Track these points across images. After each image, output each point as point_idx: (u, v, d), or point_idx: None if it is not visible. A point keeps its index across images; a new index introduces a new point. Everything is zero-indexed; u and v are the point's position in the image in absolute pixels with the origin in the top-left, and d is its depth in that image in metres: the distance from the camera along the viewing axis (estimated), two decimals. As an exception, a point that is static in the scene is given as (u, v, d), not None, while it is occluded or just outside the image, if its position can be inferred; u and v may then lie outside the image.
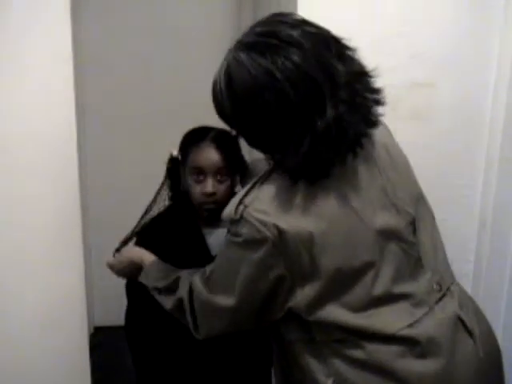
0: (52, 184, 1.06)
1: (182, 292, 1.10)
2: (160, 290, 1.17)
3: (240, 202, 0.98)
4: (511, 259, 1.82)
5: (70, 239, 1.18)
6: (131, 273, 1.30)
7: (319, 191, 0.97)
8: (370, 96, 0.99)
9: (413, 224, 1.05)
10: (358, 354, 0.98)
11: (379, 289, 0.98)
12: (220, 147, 1.33)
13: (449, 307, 1.03)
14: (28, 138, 0.96)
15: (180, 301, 1.10)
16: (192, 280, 1.10)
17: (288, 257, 0.95)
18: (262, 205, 0.96)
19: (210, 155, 1.32)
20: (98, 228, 2.77)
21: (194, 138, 1.37)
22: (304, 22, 0.98)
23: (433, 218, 1.14)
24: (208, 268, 1.09)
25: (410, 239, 1.03)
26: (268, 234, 0.94)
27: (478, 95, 1.78)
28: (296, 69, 0.89)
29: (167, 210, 1.45)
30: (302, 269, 0.96)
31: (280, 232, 0.94)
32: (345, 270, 0.97)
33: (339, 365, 0.99)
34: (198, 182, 1.33)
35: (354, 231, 0.97)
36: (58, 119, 1.08)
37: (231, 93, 0.95)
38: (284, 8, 1.84)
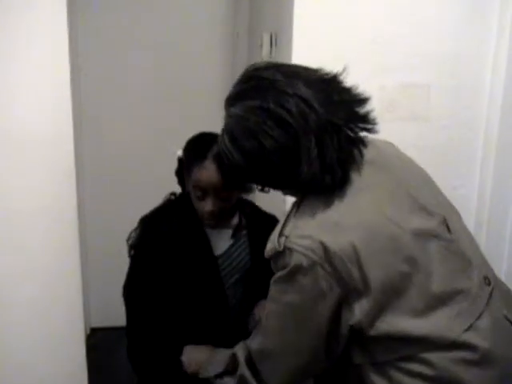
0: (49, 186, 1.06)
1: (242, 369, 1.09)
2: (221, 374, 1.17)
3: (280, 235, 0.99)
4: (507, 259, 1.83)
5: (67, 241, 1.17)
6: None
7: (351, 205, 0.99)
8: (349, 96, 1.05)
9: (445, 223, 1.05)
10: (423, 369, 0.96)
11: (434, 286, 0.98)
12: (222, 166, 1.31)
13: (497, 308, 1.02)
14: (25, 138, 0.96)
15: (242, 377, 1.09)
16: (249, 346, 1.10)
17: (338, 276, 0.95)
18: (301, 231, 0.98)
19: (211, 176, 1.28)
20: (95, 229, 2.77)
21: (198, 152, 1.34)
22: (273, 63, 1.06)
23: (458, 214, 1.15)
24: (259, 326, 1.09)
25: (447, 237, 1.03)
26: (315, 257, 0.94)
27: (474, 96, 1.79)
28: (282, 94, 0.96)
29: (173, 202, 1.45)
30: (354, 283, 0.95)
31: (326, 252, 0.94)
32: (394, 274, 0.96)
33: (407, 381, 0.97)
34: (200, 198, 1.33)
35: (393, 235, 0.98)
36: (55, 120, 1.08)
37: (238, 146, 1.00)
38: (281, 7, 1.84)
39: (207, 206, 1.31)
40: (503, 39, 1.71)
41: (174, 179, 1.46)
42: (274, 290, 1.03)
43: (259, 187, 1.10)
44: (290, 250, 0.96)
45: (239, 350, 1.12)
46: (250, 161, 1.00)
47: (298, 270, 0.96)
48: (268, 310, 1.05)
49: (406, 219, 1.00)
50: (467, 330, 0.96)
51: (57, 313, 1.11)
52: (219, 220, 1.37)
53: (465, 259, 1.04)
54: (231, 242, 1.44)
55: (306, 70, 1.04)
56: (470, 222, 1.87)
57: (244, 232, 1.46)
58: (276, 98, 0.96)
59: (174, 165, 1.44)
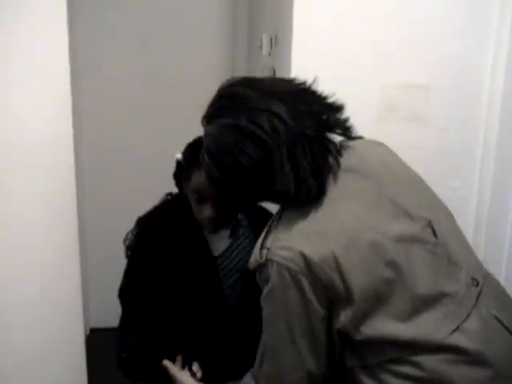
0: (49, 186, 1.06)
1: None
2: None
3: (262, 247, 1.01)
4: (506, 261, 1.82)
5: (67, 242, 1.17)
6: None
7: (330, 214, 1.00)
8: (322, 105, 1.06)
9: (430, 226, 1.05)
10: (412, 371, 0.96)
11: (419, 290, 0.98)
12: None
13: (486, 307, 1.02)
14: (25, 139, 0.96)
15: None
16: (256, 377, 1.08)
17: (321, 284, 0.96)
18: (282, 242, 0.99)
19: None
20: (95, 231, 2.77)
21: (198, 158, 1.35)
22: (246, 78, 1.09)
23: (450, 216, 1.15)
24: (257, 357, 1.07)
25: (432, 240, 1.03)
26: (296, 268, 0.96)
27: (473, 97, 1.79)
28: (253, 110, 0.98)
29: (169, 203, 1.45)
30: (337, 291, 0.96)
31: (306, 262, 0.95)
32: (376, 280, 0.97)
33: (397, 383, 0.97)
34: (199, 203, 1.33)
35: (374, 242, 0.98)
36: (55, 122, 1.08)
37: (216, 163, 1.02)
38: (279, 7, 1.84)
39: (206, 212, 1.31)
40: (503, 41, 1.71)
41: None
42: (265, 309, 1.04)
43: (237, 201, 1.11)
44: (272, 261, 0.98)
45: None
46: (229, 177, 1.03)
47: (281, 282, 0.97)
48: (264, 332, 1.05)
49: (387, 225, 1.00)
50: (454, 331, 0.96)
51: (57, 313, 1.11)
52: (218, 226, 1.37)
53: (451, 262, 1.03)
54: (230, 241, 1.44)
55: (278, 83, 1.08)
56: (469, 223, 1.87)
57: (242, 231, 1.46)
58: (247, 114, 0.98)
59: (174, 167, 1.44)
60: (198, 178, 1.29)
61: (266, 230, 1.05)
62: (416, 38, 1.71)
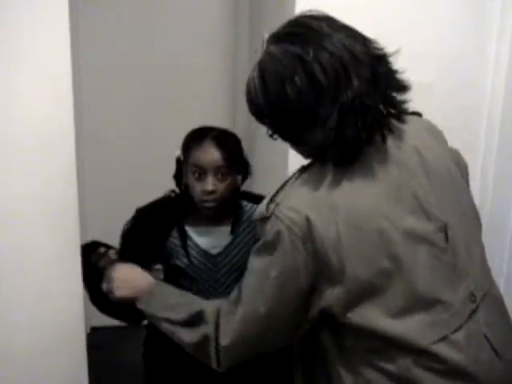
0: (49, 183, 1.06)
1: (209, 328, 1.05)
2: (173, 322, 1.11)
3: (271, 201, 0.99)
4: (508, 260, 1.83)
5: (68, 239, 1.17)
6: (128, 298, 1.21)
7: (351, 191, 0.97)
8: (391, 80, 1.03)
9: (444, 231, 1.01)
10: (390, 366, 0.96)
11: (415, 291, 0.96)
12: (221, 146, 1.34)
13: (478, 324, 1.00)
14: (26, 138, 0.96)
15: (205, 337, 1.05)
16: (219, 308, 1.06)
17: (316, 255, 0.95)
18: (293, 202, 0.97)
19: (210, 153, 1.33)
20: (96, 228, 2.76)
21: (196, 137, 1.38)
22: (329, 17, 1.03)
23: (476, 224, 1.12)
24: (236, 289, 1.06)
25: (441, 245, 1.00)
26: (299, 232, 0.94)
27: (475, 95, 1.79)
28: (323, 50, 0.94)
29: (171, 199, 1.47)
30: (330, 269, 0.95)
31: (310, 230, 0.94)
32: (374, 270, 0.95)
33: (370, 375, 0.97)
34: (199, 179, 1.34)
35: (383, 231, 0.95)
36: (56, 120, 1.08)
37: (263, 83, 0.98)
38: (281, 6, 1.84)
39: (206, 185, 1.32)
40: (505, 38, 1.71)
41: (175, 180, 1.47)
42: (252, 256, 1.03)
43: (269, 132, 1.06)
44: (277, 217, 0.96)
45: (208, 309, 1.08)
46: (268, 101, 0.99)
47: (279, 240, 0.96)
48: (245, 275, 1.05)
49: (401, 218, 0.97)
50: (440, 340, 0.95)
51: (57, 312, 1.11)
52: (217, 201, 1.36)
53: (455, 272, 1.01)
54: (231, 238, 1.44)
55: (358, 38, 1.01)
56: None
57: (243, 227, 1.46)
58: (316, 51, 0.93)
59: (174, 166, 1.44)
60: (198, 151, 1.33)
61: (281, 184, 1.02)
62: (418, 37, 1.71)
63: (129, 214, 1.49)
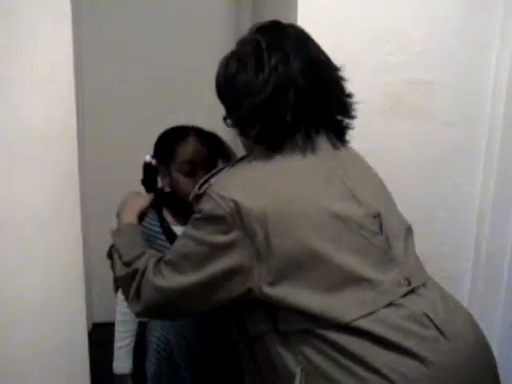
0: (51, 180, 1.06)
1: (139, 264, 1.12)
2: (120, 257, 1.19)
3: (206, 181, 1.07)
4: (510, 256, 1.82)
5: (70, 235, 1.17)
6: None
7: (278, 174, 1.04)
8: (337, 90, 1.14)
9: (377, 218, 1.06)
10: (321, 344, 0.97)
11: (342, 269, 0.98)
12: (206, 141, 1.37)
13: (416, 304, 1.00)
14: (29, 138, 0.96)
15: (135, 271, 1.12)
16: (153, 257, 1.13)
17: (244, 233, 0.98)
18: (224, 183, 1.04)
19: (199, 149, 1.35)
20: (98, 224, 2.77)
21: (177, 135, 1.40)
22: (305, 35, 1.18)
23: (408, 229, 1.15)
24: (169, 250, 1.12)
25: (372, 229, 1.04)
26: (226, 208, 0.99)
27: (477, 92, 1.78)
28: (279, 46, 1.08)
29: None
30: (257, 246, 0.98)
31: (237, 206, 0.98)
32: (301, 248, 0.97)
33: (308, 352, 0.98)
34: (189, 176, 1.35)
35: (309, 212, 0.99)
36: (59, 121, 1.08)
37: (225, 64, 1.17)
38: (283, 6, 1.83)
39: (199, 179, 1.33)
40: (508, 35, 1.71)
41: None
42: (187, 226, 1.08)
43: (225, 117, 1.19)
44: (208, 195, 1.03)
45: (146, 257, 1.15)
46: (224, 80, 1.17)
47: (208, 217, 1.01)
48: (178, 239, 1.11)
49: (330, 201, 1.02)
50: (365, 316, 0.96)
51: (59, 308, 1.12)
52: None
53: (387, 256, 1.03)
54: None
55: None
56: (472, 219, 1.87)
57: None
58: (270, 43, 1.08)
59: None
60: (185, 147, 1.35)
61: (217, 169, 1.11)
62: (420, 34, 1.70)
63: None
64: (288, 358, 1.00)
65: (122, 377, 1.49)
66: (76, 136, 1.15)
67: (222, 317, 1.35)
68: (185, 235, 1.08)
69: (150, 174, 1.44)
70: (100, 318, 2.87)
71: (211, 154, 1.37)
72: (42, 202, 1.03)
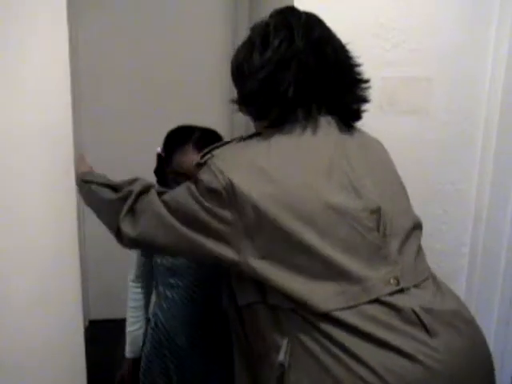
0: (47, 178, 1.06)
1: (133, 187, 1.15)
2: (105, 184, 1.23)
3: (209, 151, 1.08)
4: (505, 253, 1.83)
5: (66, 233, 1.17)
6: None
7: (282, 158, 1.04)
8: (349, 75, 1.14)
9: (376, 213, 1.04)
10: (311, 329, 0.98)
11: (330, 259, 0.98)
12: (204, 149, 1.34)
13: (403, 302, 0.99)
14: (25, 138, 0.96)
15: (129, 192, 1.15)
16: (151, 187, 1.16)
17: (235, 210, 1.00)
18: (225, 157, 1.05)
19: (193, 159, 1.30)
20: (94, 222, 2.76)
21: (178, 139, 1.39)
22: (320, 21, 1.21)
23: (413, 227, 1.12)
24: (168, 193, 1.13)
25: (367, 224, 1.02)
26: (223, 183, 1.01)
27: (474, 90, 1.78)
28: (287, 29, 1.11)
29: None
30: (247, 225, 1.00)
31: (232, 186, 1.00)
32: (293, 236, 0.98)
33: (294, 327, 0.99)
34: (179, 184, 1.34)
35: (306, 203, 0.99)
36: (55, 120, 1.08)
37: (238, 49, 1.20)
38: (281, 3, 1.83)
39: None
40: (504, 31, 1.71)
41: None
42: (183, 186, 1.10)
43: (233, 100, 1.17)
44: (208, 166, 1.04)
45: (141, 181, 1.19)
46: (235, 63, 1.18)
47: (207, 188, 1.03)
48: (177, 189, 1.12)
49: (328, 191, 1.02)
50: (345, 309, 0.96)
51: (56, 305, 1.11)
52: None
53: (379, 253, 1.02)
54: None
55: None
56: (468, 216, 1.87)
57: None
58: (277, 24, 1.13)
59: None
60: (181, 156, 1.35)
61: (225, 142, 1.12)
62: (417, 31, 1.70)
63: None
64: (275, 332, 1.01)
65: (130, 360, 1.53)
66: (72, 135, 1.15)
67: (209, 315, 1.38)
68: (186, 189, 1.08)
69: (160, 165, 1.44)
70: (96, 316, 2.87)
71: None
72: (38, 200, 1.02)
